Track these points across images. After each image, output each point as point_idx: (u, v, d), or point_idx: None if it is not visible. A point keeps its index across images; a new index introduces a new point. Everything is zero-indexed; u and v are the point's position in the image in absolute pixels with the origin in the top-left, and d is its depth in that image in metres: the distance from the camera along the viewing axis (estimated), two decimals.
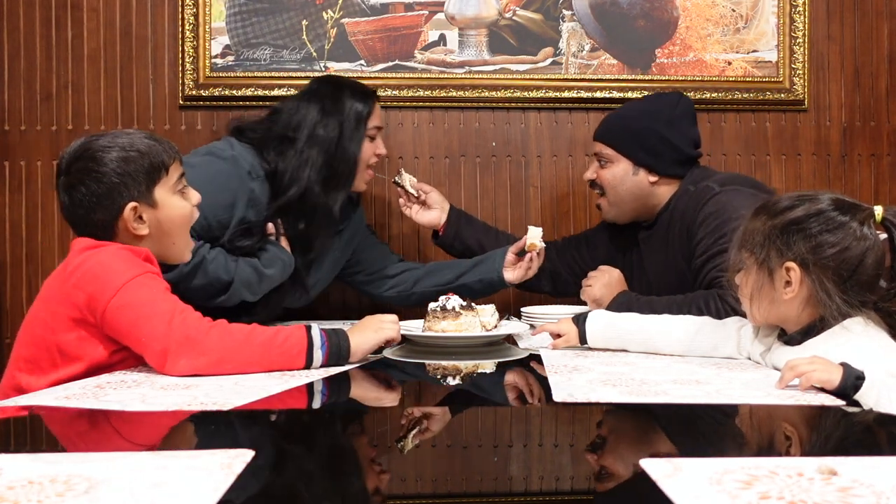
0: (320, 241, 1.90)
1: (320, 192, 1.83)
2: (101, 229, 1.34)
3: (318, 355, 1.33)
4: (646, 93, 2.32)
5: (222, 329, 1.29)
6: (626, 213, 1.92)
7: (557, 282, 2.13)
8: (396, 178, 2.07)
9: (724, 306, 1.55)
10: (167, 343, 1.24)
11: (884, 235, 1.23)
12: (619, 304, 1.70)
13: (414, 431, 1.02)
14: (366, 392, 1.31)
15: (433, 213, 2.08)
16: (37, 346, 1.31)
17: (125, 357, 1.32)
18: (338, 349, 1.35)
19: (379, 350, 1.52)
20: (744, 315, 1.39)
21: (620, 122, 1.91)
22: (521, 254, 2.00)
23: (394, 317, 1.49)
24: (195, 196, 1.44)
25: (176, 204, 1.39)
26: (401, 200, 2.09)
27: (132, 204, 1.33)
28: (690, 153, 1.89)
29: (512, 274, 1.99)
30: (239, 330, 1.31)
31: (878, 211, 1.22)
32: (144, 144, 1.36)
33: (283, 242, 1.82)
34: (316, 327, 1.37)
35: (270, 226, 1.81)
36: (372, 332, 1.43)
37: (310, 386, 1.23)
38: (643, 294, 1.78)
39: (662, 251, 1.86)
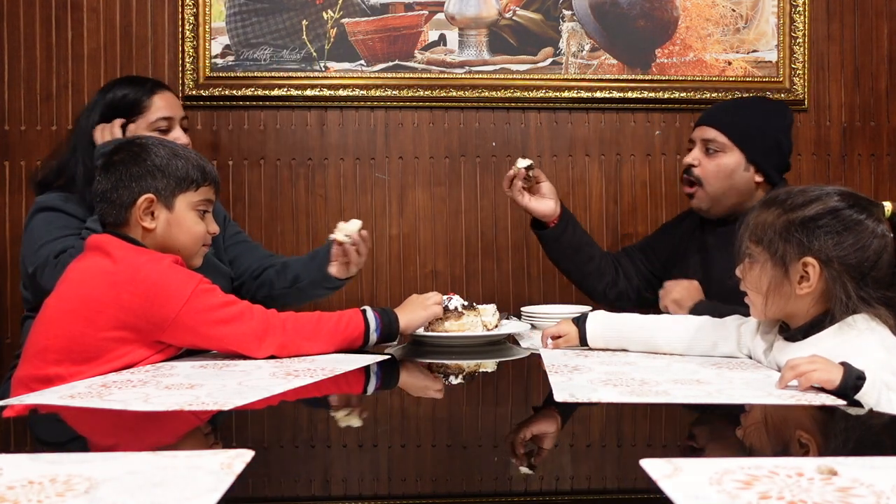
0: None
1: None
2: (118, 209, 1.43)
3: (373, 337, 1.51)
4: (646, 93, 2.33)
5: (293, 320, 1.45)
6: (721, 208, 1.86)
7: (630, 291, 2.04)
8: (521, 164, 1.92)
9: None
10: (251, 336, 1.40)
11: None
12: (698, 312, 1.60)
13: (414, 431, 1.02)
14: (367, 392, 1.31)
15: (549, 202, 1.94)
16: (73, 339, 1.34)
17: (158, 359, 1.40)
18: (389, 328, 1.53)
19: (382, 350, 1.56)
20: None
21: (743, 114, 1.85)
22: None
23: (437, 294, 1.63)
24: (214, 226, 1.52)
25: (191, 219, 1.47)
26: (518, 183, 1.92)
27: (150, 195, 1.42)
28: (789, 165, 1.90)
29: (335, 268, 1.81)
30: (307, 320, 1.46)
31: (888, 207, 1.23)
32: (191, 157, 1.48)
33: None
34: (370, 311, 1.52)
35: None
36: (421, 310, 1.59)
37: (310, 386, 1.23)
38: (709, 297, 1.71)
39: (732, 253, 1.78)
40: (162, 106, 1.88)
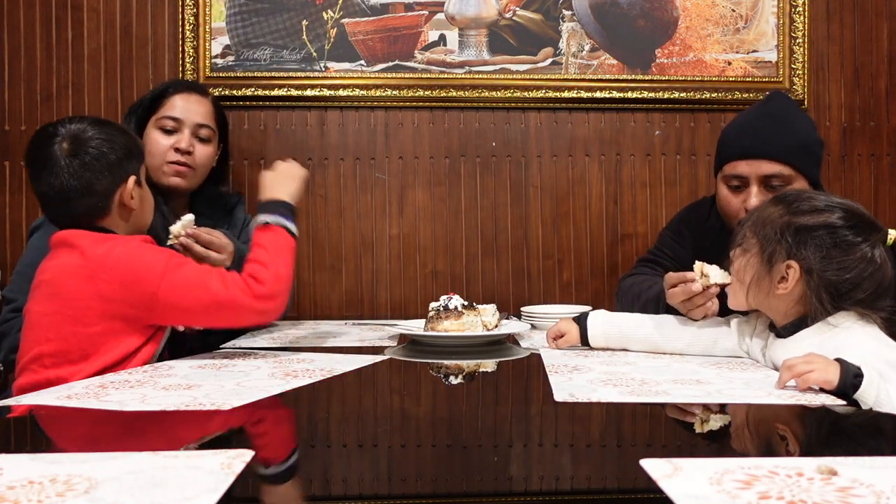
0: None
1: None
2: (101, 198, 1.39)
3: (294, 229, 1.51)
4: (646, 93, 2.33)
5: (248, 274, 1.41)
6: None
7: None
8: (721, 280, 1.41)
9: None
10: (227, 301, 1.37)
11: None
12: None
13: (414, 431, 1.02)
14: (366, 392, 1.31)
15: (716, 302, 1.49)
16: (66, 340, 1.34)
17: (152, 346, 1.40)
18: (291, 214, 1.53)
19: (381, 350, 1.56)
20: None
21: (791, 133, 1.64)
22: None
23: (293, 163, 1.63)
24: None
25: (147, 189, 1.49)
26: (711, 307, 1.46)
27: (134, 176, 1.42)
28: None
29: None
30: (261, 264, 1.42)
31: (892, 235, 1.26)
32: (124, 129, 1.47)
33: None
34: (273, 218, 1.50)
35: None
36: (293, 182, 1.58)
37: (310, 386, 1.23)
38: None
39: None
40: (175, 106, 1.88)
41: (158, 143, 1.86)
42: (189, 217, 1.57)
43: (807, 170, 1.64)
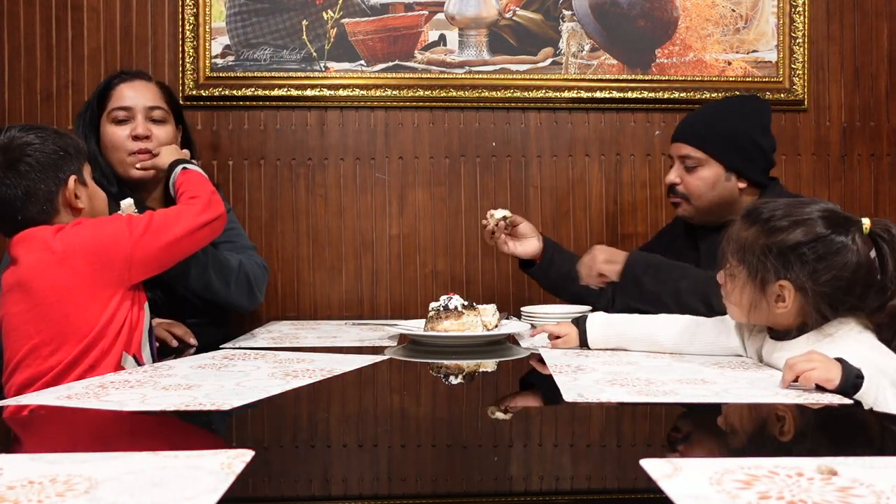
0: None
1: None
2: (45, 202, 1.40)
3: (192, 166, 1.70)
4: (646, 93, 2.33)
5: (188, 198, 1.57)
6: (711, 218, 1.84)
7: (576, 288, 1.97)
8: (497, 215, 1.95)
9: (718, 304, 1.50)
10: (186, 229, 1.49)
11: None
12: (635, 263, 1.74)
13: (414, 431, 1.02)
14: (366, 392, 1.32)
15: (531, 241, 1.97)
16: (57, 325, 1.35)
17: (138, 298, 1.46)
18: (186, 161, 1.72)
19: (381, 350, 1.56)
20: None
21: (712, 124, 1.84)
22: None
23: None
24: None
25: (97, 187, 1.50)
26: (500, 235, 1.95)
27: (75, 175, 1.42)
28: (773, 162, 1.87)
29: None
30: (189, 197, 1.57)
31: (866, 224, 1.23)
32: (61, 132, 1.47)
33: None
34: (185, 165, 1.69)
35: None
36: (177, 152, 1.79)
37: (310, 386, 1.23)
38: None
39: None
40: (122, 96, 1.88)
41: (115, 134, 1.86)
42: (128, 201, 1.58)
43: (723, 158, 1.81)
